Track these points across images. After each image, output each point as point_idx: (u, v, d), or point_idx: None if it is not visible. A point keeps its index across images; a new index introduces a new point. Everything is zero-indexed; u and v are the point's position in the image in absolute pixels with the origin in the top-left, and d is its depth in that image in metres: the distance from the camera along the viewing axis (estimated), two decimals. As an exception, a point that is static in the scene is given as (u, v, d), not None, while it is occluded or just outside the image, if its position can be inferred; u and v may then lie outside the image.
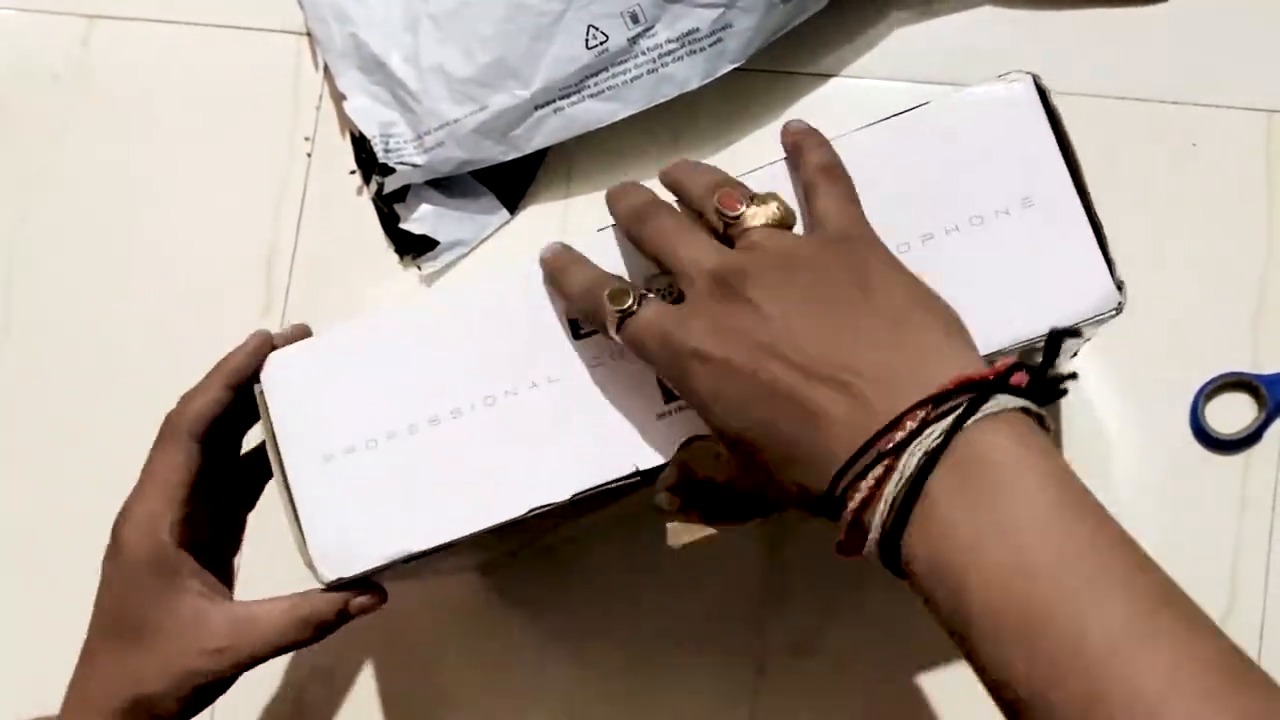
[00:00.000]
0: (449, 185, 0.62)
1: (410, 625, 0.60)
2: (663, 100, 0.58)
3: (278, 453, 0.45)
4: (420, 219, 0.61)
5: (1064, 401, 0.44)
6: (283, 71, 0.65)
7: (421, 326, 0.45)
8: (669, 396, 0.43)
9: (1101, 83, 0.59)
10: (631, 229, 0.42)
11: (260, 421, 0.45)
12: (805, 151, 0.42)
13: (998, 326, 0.41)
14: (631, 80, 0.57)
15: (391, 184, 0.61)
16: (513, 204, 0.62)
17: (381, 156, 0.60)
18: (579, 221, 0.62)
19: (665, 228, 0.40)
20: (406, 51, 0.59)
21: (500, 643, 0.59)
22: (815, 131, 0.43)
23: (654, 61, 0.57)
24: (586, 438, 0.43)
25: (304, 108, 0.65)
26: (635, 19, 0.55)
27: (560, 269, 0.43)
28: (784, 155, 0.44)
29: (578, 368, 0.44)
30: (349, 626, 0.45)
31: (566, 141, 0.59)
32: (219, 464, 0.47)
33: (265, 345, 0.46)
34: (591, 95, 0.58)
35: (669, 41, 0.56)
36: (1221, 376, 0.56)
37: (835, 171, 0.41)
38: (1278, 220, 0.57)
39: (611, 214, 0.43)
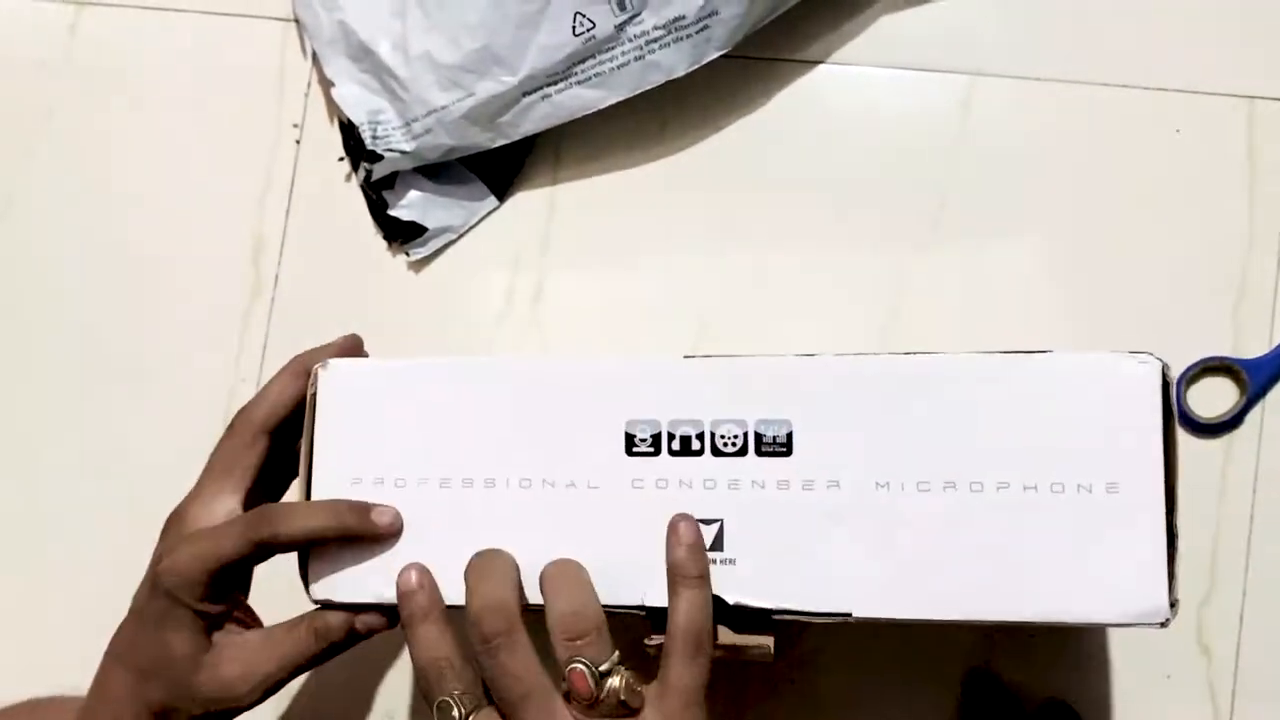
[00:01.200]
0: (437, 172, 0.62)
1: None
2: (650, 87, 0.58)
3: (310, 460, 0.45)
4: (408, 205, 0.62)
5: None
6: (270, 58, 0.65)
7: (491, 382, 0.44)
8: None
9: (1087, 69, 0.59)
10: (481, 651, 0.40)
11: (305, 424, 0.45)
12: (678, 591, 0.41)
13: (1035, 598, 0.40)
14: (618, 67, 0.57)
15: (380, 171, 0.61)
16: (501, 191, 0.62)
17: (369, 144, 0.60)
18: (566, 209, 0.62)
19: (516, 677, 0.40)
20: (394, 39, 0.59)
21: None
22: (698, 559, 0.41)
23: (641, 48, 0.57)
24: (604, 553, 0.42)
25: (292, 95, 0.65)
26: (622, 6, 0.56)
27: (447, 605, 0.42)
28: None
29: (620, 483, 0.43)
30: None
31: (554, 128, 0.59)
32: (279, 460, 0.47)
33: (356, 349, 0.47)
34: (579, 82, 0.58)
35: (656, 28, 0.56)
36: (1202, 361, 0.57)
37: (699, 641, 0.40)
38: (1259, 206, 0.58)
39: (466, 598, 0.41)
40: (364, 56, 0.60)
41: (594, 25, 0.56)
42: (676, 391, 0.43)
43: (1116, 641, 0.56)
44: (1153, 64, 0.59)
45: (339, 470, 0.44)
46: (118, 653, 0.45)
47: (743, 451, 0.42)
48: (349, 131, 0.62)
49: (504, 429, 0.44)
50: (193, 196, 0.65)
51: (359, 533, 0.43)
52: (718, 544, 0.42)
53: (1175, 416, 0.41)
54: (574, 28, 0.56)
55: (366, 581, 0.44)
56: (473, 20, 0.57)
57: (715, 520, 0.42)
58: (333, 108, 0.63)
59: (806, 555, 0.41)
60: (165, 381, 0.63)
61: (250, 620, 0.47)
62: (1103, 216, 0.59)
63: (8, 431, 0.64)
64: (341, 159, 0.63)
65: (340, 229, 0.63)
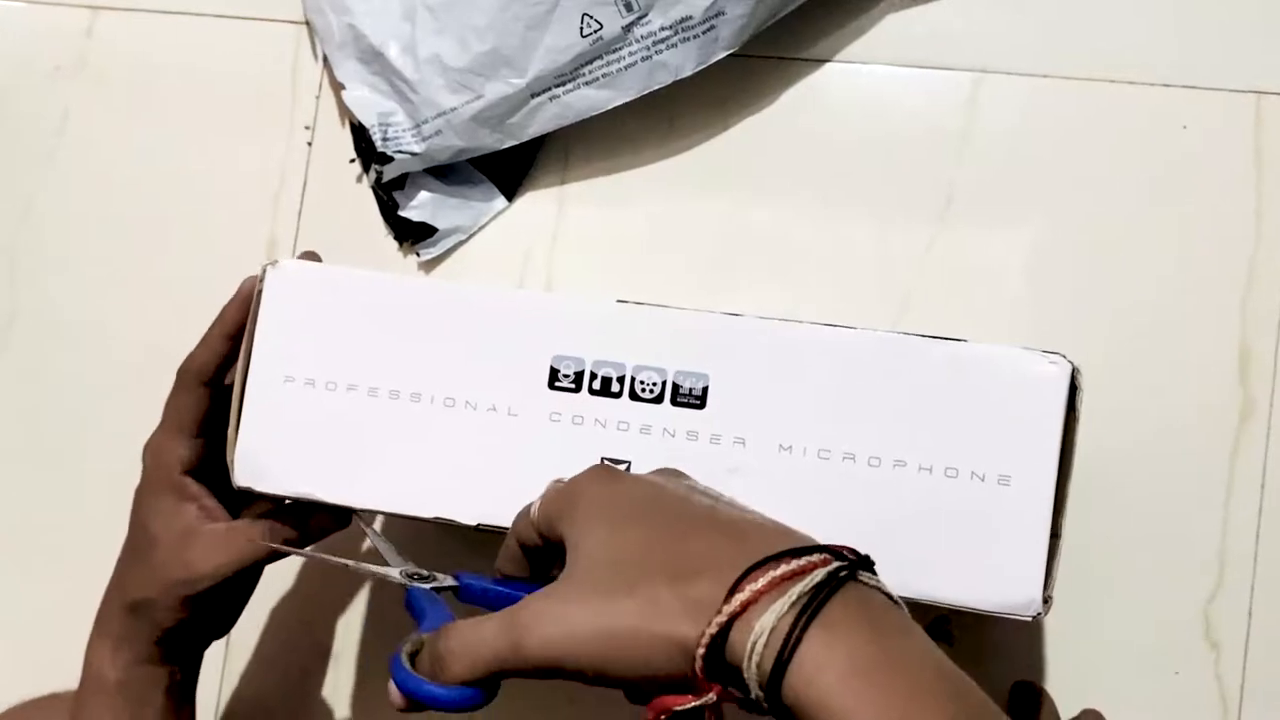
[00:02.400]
0: (447, 173, 0.62)
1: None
2: (657, 87, 0.58)
3: (249, 353, 0.46)
4: (419, 206, 0.62)
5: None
6: (283, 61, 0.66)
7: (430, 304, 0.46)
8: None
9: (1093, 66, 0.59)
10: None
11: (248, 318, 0.47)
12: None
13: (911, 575, 0.41)
14: (626, 68, 0.58)
15: (390, 172, 0.61)
16: (510, 191, 0.63)
17: (380, 145, 0.61)
18: (575, 208, 0.62)
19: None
20: (404, 42, 0.59)
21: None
22: None
23: (648, 49, 0.57)
24: (516, 479, 0.44)
25: (304, 97, 0.66)
26: (629, 7, 0.56)
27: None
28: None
29: (539, 414, 0.45)
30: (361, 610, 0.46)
31: (563, 128, 0.60)
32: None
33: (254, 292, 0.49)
34: (587, 83, 0.58)
35: (663, 29, 0.57)
36: (1211, 357, 0.57)
37: None
38: (1266, 200, 0.58)
39: None
40: (373, 59, 0.61)
41: (601, 26, 0.56)
42: (604, 333, 0.45)
43: (1125, 638, 0.56)
44: (1159, 60, 0.59)
45: (274, 367, 0.46)
46: (111, 581, 0.51)
47: (659, 399, 0.44)
48: (360, 133, 0.62)
49: (437, 348, 0.46)
50: (206, 198, 0.65)
51: None
52: None
53: (1077, 419, 0.41)
54: (581, 29, 0.57)
55: (290, 476, 0.46)
56: (481, 23, 0.57)
57: (625, 462, 0.44)
58: (344, 110, 0.64)
59: None
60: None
61: (217, 515, 0.49)
62: (1110, 212, 0.59)
63: (22, 433, 0.65)
64: (353, 161, 0.64)
65: (352, 230, 0.64)
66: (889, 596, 0.34)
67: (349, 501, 0.46)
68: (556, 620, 0.35)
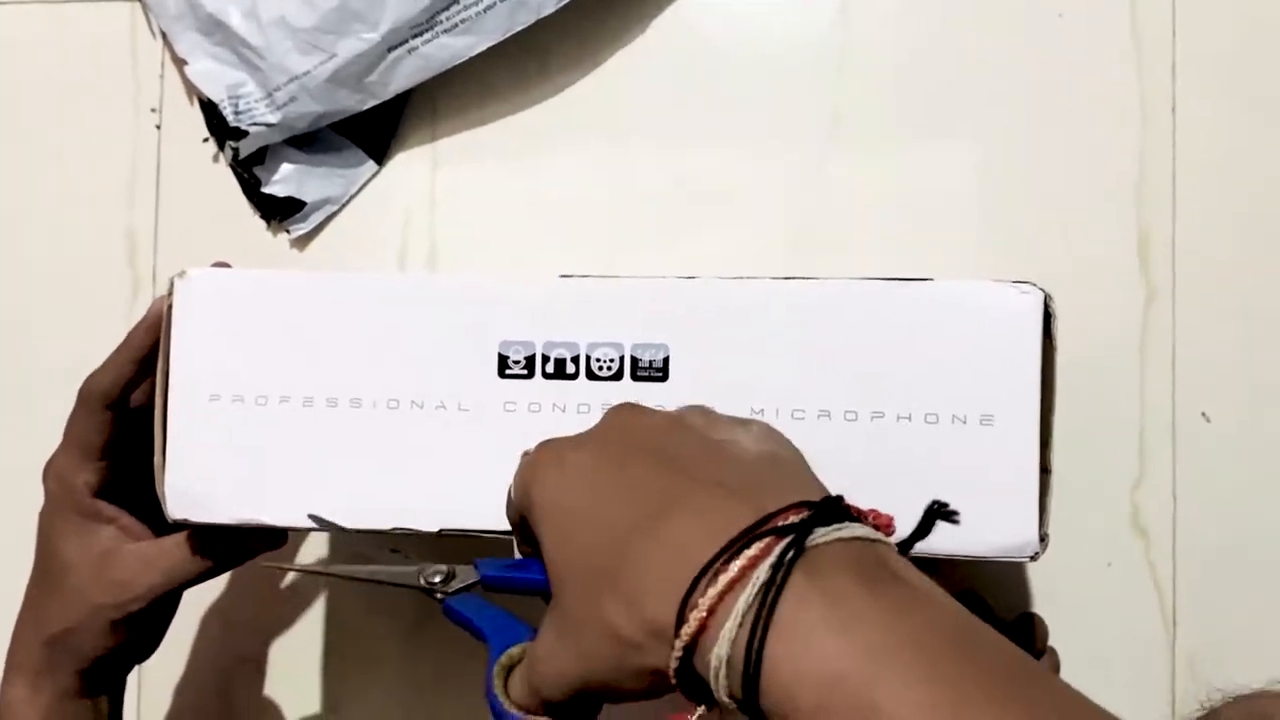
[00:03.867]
0: (309, 142, 0.59)
1: (355, 626, 0.58)
2: (522, 28, 0.55)
3: (166, 375, 0.43)
4: (283, 180, 0.59)
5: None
6: (118, 42, 0.62)
7: (360, 300, 0.43)
8: None
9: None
10: None
11: (160, 336, 0.43)
12: None
13: (902, 529, 0.38)
14: (485, 10, 0.54)
15: (247, 147, 0.58)
16: (379, 154, 0.59)
17: (232, 120, 0.57)
18: (450, 164, 0.59)
19: None
20: (245, 7, 0.55)
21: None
22: None
23: (506, -12, 0.54)
24: (474, 477, 0.41)
25: (146, 78, 0.61)
26: (480, -55, 0.53)
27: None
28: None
29: (492, 406, 0.42)
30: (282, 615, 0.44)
31: (427, 82, 0.57)
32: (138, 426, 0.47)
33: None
34: (445, 31, 0.55)
35: (518, -35, 0.54)
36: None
37: None
38: (1149, 85, 0.57)
39: None
40: (215, 29, 0.57)
41: (453, -32, 0.53)
42: (552, 312, 0.42)
43: (1055, 535, 0.56)
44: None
45: (197, 386, 0.43)
46: (21, 615, 0.48)
47: (618, 375, 0.41)
48: (210, 110, 0.59)
49: (371, 347, 0.42)
50: (55, 195, 0.61)
51: None
52: None
53: (1055, 349, 0.40)
54: (432, -27, 0.53)
55: (230, 503, 0.42)
56: (324, -23, 0.54)
57: None
58: (190, 87, 0.60)
59: None
60: (51, 394, 0.59)
61: (138, 534, 0.47)
62: (994, 110, 0.57)
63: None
64: (206, 140, 0.60)
65: (215, 213, 0.60)
66: (860, 538, 0.30)
67: (297, 523, 0.42)
68: (549, 661, 0.33)
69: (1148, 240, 0.56)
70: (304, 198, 0.58)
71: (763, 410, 0.41)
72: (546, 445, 0.36)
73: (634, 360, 0.42)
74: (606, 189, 0.59)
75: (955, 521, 0.38)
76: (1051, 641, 0.53)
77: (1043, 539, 0.40)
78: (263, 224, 0.60)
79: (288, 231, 0.59)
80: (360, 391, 0.42)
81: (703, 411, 0.36)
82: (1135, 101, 0.57)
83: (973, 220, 0.57)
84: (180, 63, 0.59)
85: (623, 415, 0.36)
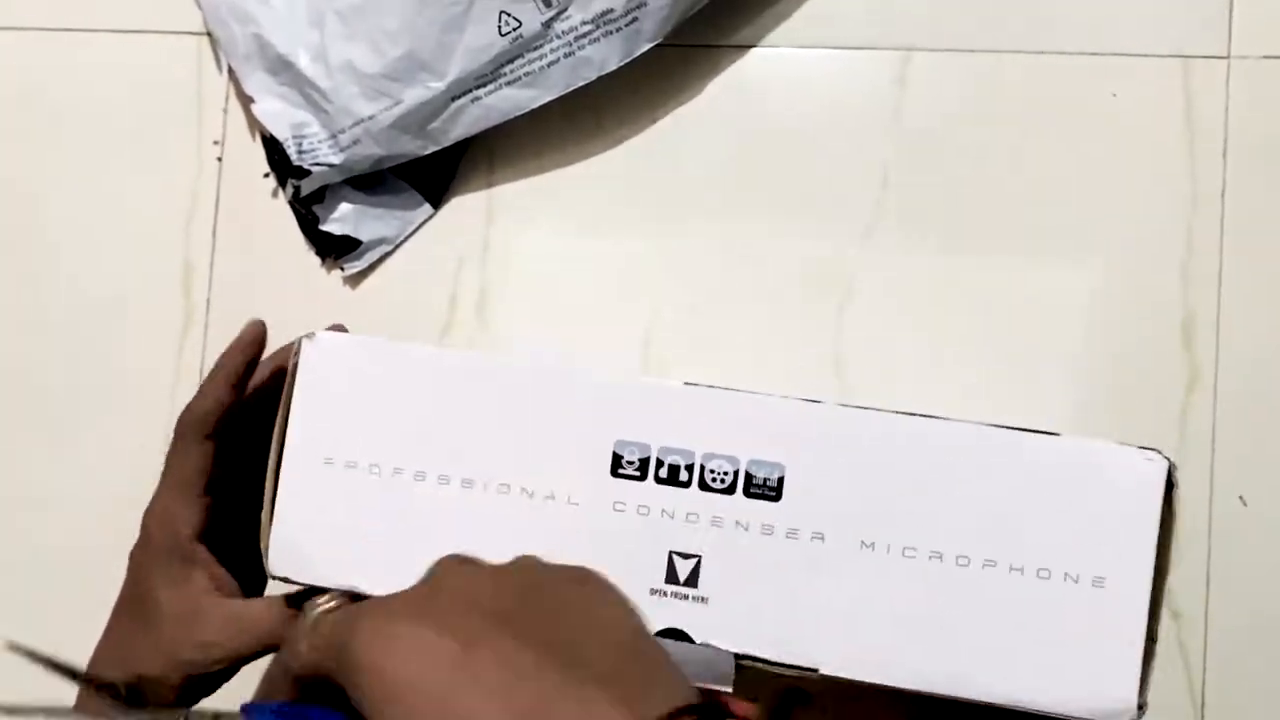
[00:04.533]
0: (368, 183, 0.60)
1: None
2: (582, 84, 0.56)
3: (283, 432, 0.43)
4: (340, 219, 0.60)
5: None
6: (186, 75, 0.63)
7: (479, 380, 0.43)
8: (670, 577, 0.41)
9: (1018, 38, 0.59)
10: None
11: (283, 396, 0.43)
12: None
13: (1001, 679, 0.39)
14: (548, 65, 0.56)
15: (308, 186, 0.59)
16: (435, 198, 0.60)
17: (295, 159, 0.58)
18: (504, 212, 0.60)
19: None
20: (314, 50, 0.57)
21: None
22: None
23: (570, 45, 0.55)
24: None
25: (210, 111, 0.63)
26: (548, 3, 0.54)
27: None
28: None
29: (601, 503, 0.42)
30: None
31: (486, 131, 0.58)
32: (240, 459, 0.47)
33: (260, 338, 0.46)
34: (508, 83, 0.56)
35: (584, 23, 0.55)
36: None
37: None
38: (1199, 164, 0.58)
39: None
40: (283, 69, 0.58)
41: (520, 24, 0.54)
42: (671, 418, 0.41)
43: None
44: (1084, 28, 0.59)
45: (313, 448, 0.43)
46: (105, 642, 0.47)
47: (731, 489, 0.41)
48: (273, 146, 0.60)
49: (488, 429, 0.42)
50: (115, 224, 0.62)
51: None
52: (692, 580, 0.41)
53: (1174, 516, 0.40)
54: (500, 28, 0.55)
55: (331, 566, 0.42)
56: (393, 26, 0.55)
57: (694, 556, 0.41)
58: (254, 123, 0.61)
59: (781, 605, 0.40)
60: (102, 418, 0.61)
61: (229, 589, 0.46)
62: (1044, 184, 0.58)
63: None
64: (267, 175, 0.61)
65: (270, 248, 0.61)
66: None
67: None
68: None
69: (1193, 321, 0.57)
70: (360, 237, 0.59)
71: (873, 544, 0.40)
72: (373, 605, 0.33)
73: (749, 476, 0.41)
74: (656, 244, 0.59)
75: (808, 704, 0.38)
76: (1080, 717, 0.53)
77: (1141, 708, 0.39)
78: (317, 260, 0.61)
79: (341, 269, 0.60)
80: (472, 471, 0.42)
81: (537, 567, 0.34)
82: (1185, 180, 0.58)
83: (1005, 289, 0.58)
84: (247, 100, 0.60)
85: (456, 577, 0.34)
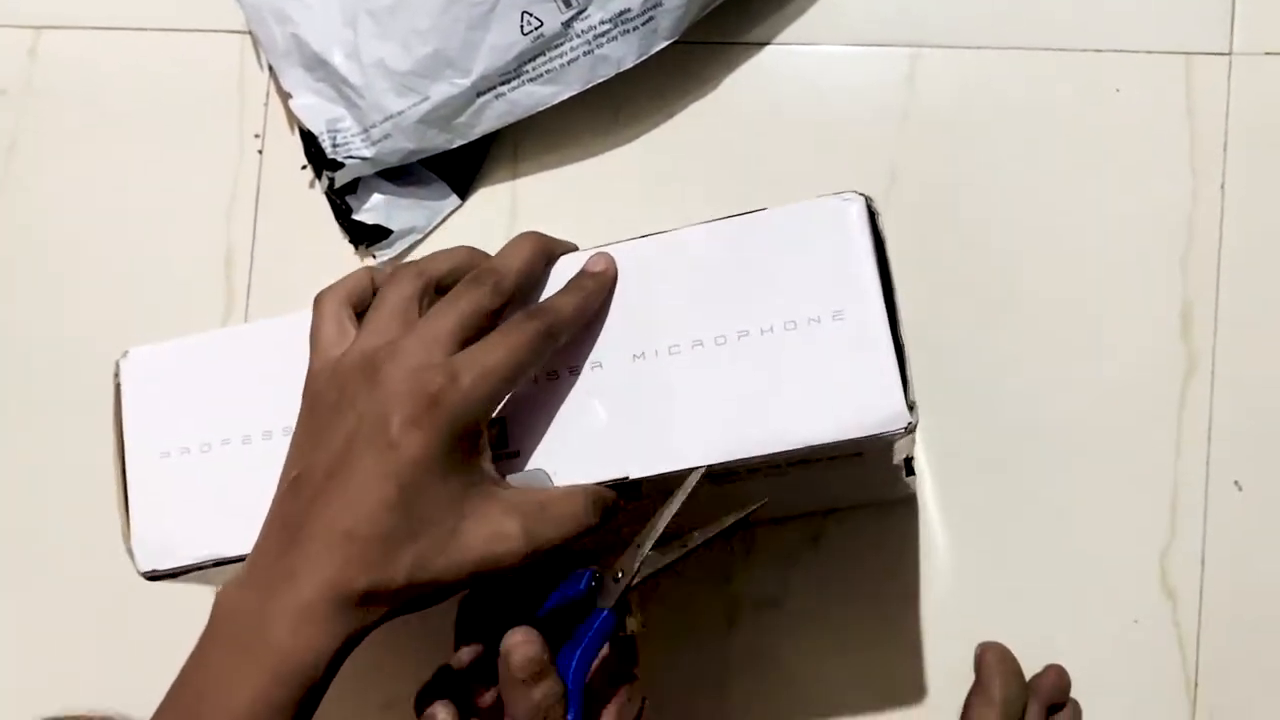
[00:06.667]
0: (399, 175, 0.63)
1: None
2: (601, 80, 0.59)
3: (121, 442, 0.47)
4: (373, 209, 0.63)
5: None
6: (228, 70, 0.66)
7: (268, 343, 0.47)
8: None
9: (1024, 35, 0.61)
10: None
11: (112, 410, 0.48)
12: None
13: (789, 428, 0.43)
14: (569, 63, 0.58)
15: (342, 178, 0.62)
16: (463, 189, 0.63)
17: (330, 152, 0.61)
18: (528, 203, 0.63)
19: None
20: (347, 48, 0.60)
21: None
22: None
23: (589, 43, 0.58)
24: None
25: (252, 105, 0.66)
26: (568, 3, 0.57)
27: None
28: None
29: None
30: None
31: (511, 125, 0.61)
32: None
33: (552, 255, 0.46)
34: (531, 79, 0.59)
35: (602, 23, 0.57)
36: (1154, 315, 0.58)
37: None
38: (1200, 159, 0.59)
39: None
40: (318, 67, 0.61)
41: (541, 23, 0.57)
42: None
43: (1084, 592, 0.58)
44: (1088, 26, 0.60)
45: (147, 447, 0.47)
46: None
47: None
48: (309, 140, 0.63)
49: (286, 379, 0.44)
50: (159, 213, 0.66)
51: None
52: (502, 441, 0.44)
53: (884, 242, 0.44)
54: (522, 27, 0.57)
55: (195, 544, 0.46)
56: (423, 25, 0.58)
57: (497, 421, 0.44)
58: (292, 118, 0.64)
59: (579, 434, 0.44)
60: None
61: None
62: (1048, 179, 0.60)
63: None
64: (304, 167, 0.64)
65: (307, 236, 0.64)
66: None
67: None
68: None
69: (1191, 312, 0.58)
70: (391, 226, 0.63)
71: (643, 353, 0.44)
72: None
73: None
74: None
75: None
76: (1074, 694, 0.55)
77: (911, 406, 0.42)
78: (350, 248, 0.64)
79: (373, 256, 0.63)
80: (290, 418, 0.43)
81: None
82: (1187, 175, 0.59)
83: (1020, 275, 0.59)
84: (285, 95, 0.63)
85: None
